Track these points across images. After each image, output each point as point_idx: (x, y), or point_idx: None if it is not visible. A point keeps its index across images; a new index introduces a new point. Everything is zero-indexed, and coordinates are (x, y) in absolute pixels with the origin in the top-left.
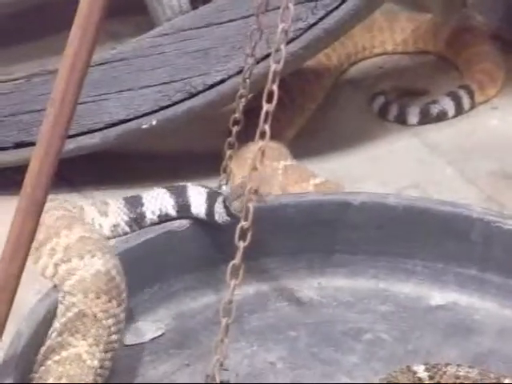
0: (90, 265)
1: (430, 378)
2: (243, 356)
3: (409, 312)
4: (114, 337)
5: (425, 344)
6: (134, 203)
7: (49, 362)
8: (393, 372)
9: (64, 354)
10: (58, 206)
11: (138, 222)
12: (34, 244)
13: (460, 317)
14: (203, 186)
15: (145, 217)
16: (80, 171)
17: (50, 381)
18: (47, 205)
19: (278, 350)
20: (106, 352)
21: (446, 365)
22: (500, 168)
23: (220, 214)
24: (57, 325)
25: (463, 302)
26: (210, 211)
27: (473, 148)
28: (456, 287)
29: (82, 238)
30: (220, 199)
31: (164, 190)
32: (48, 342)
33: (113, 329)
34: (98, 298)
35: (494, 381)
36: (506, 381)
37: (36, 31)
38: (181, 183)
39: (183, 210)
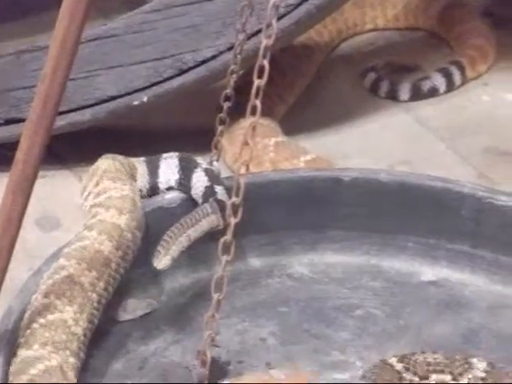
0: None
1: (406, 369)
2: (234, 332)
3: (400, 288)
4: None
5: (416, 320)
6: (153, 172)
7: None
8: (371, 369)
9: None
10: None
11: (153, 190)
12: None
13: (451, 292)
14: (211, 172)
15: (158, 188)
16: (71, 148)
17: (35, 346)
18: None
19: (270, 326)
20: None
21: (413, 354)
22: (492, 144)
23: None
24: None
25: (454, 278)
26: (204, 200)
27: (464, 124)
28: (447, 263)
29: None
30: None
31: (176, 163)
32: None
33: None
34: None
35: (461, 362)
36: (474, 360)
37: (26, 8)
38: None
39: (182, 187)
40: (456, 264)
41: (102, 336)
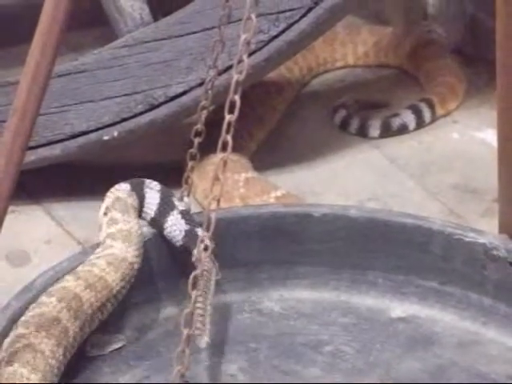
0: None
1: None
2: (204, 368)
3: (370, 324)
4: None
5: (386, 356)
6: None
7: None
8: None
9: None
10: None
11: None
12: None
13: (421, 329)
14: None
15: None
16: (42, 183)
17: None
18: None
19: (239, 362)
20: None
21: None
22: (461, 181)
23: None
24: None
25: (424, 314)
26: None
27: (434, 161)
28: (417, 299)
29: None
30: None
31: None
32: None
33: None
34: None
35: None
36: None
37: None
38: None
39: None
40: (425, 300)
41: (71, 371)
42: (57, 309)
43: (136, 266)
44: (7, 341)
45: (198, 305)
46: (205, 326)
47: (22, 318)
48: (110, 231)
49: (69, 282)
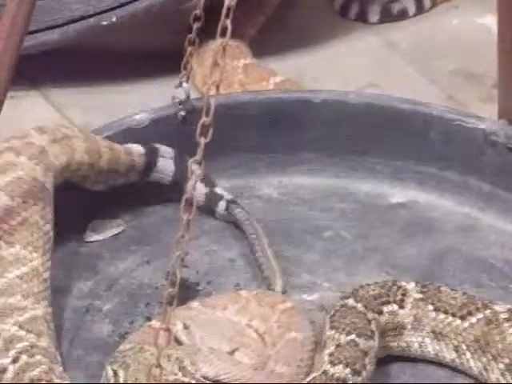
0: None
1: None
2: (203, 253)
3: (369, 210)
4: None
5: (384, 241)
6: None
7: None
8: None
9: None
10: None
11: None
12: None
13: (419, 215)
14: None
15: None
16: (40, 69)
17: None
18: None
19: (238, 248)
20: None
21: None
22: (460, 67)
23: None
24: None
25: (423, 200)
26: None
27: (433, 47)
28: (415, 185)
29: None
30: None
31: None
32: None
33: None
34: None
35: (479, 306)
36: (497, 308)
37: None
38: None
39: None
40: (424, 186)
41: (70, 257)
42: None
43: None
44: None
45: (259, 254)
46: (275, 272)
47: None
48: None
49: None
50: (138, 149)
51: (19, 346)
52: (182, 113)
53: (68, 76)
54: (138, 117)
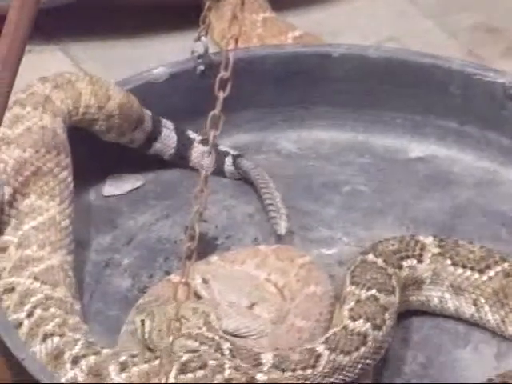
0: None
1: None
2: (222, 208)
3: (388, 164)
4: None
5: (403, 196)
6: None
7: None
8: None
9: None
10: None
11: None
12: None
13: (439, 169)
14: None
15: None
16: (58, 23)
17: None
18: None
19: (257, 202)
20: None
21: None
22: (481, 21)
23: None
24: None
25: (442, 155)
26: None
27: (454, 1)
28: (435, 139)
29: None
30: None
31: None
32: None
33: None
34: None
35: (497, 259)
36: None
37: None
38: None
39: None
40: (444, 140)
41: (89, 211)
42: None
43: None
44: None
45: (267, 196)
46: (281, 213)
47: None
48: None
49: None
50: (146, 110)
51: (33, 299)
52: (201, 67)
53: (86, 30)
54: (156, 71)
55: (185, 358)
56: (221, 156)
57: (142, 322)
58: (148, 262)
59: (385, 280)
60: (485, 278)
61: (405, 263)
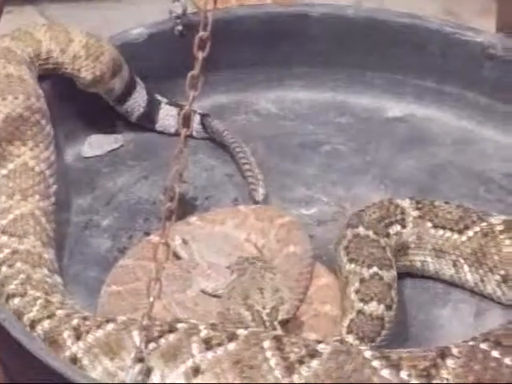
0: None
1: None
2: (201, 168)
3: (366, 124)
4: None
5: (382, 155)
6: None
7: None
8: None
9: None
10: None
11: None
12: None
13: (417, 128)
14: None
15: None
16: None
17: (3, 198)
18: None
19: (236, 163)
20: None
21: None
22: None
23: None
24: None
25: (420, 114)
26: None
27: None
28: (413, 99)
29: None
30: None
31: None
32: None
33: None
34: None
35: (475, 219)
36: (492, 220)
37: None
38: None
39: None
40: (422, 100)
41: (68, 172)
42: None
43: None
44: None
45: (245, 164)
46: (257, 179)
47: None
48: None
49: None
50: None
51: (0, 256)
52: (179, 27)
53: None
54: (135, 31)
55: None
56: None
57: (231, 273)
58: (127, 222)
59: (382, 254)
60: (464, 238)
61: (391, 230)
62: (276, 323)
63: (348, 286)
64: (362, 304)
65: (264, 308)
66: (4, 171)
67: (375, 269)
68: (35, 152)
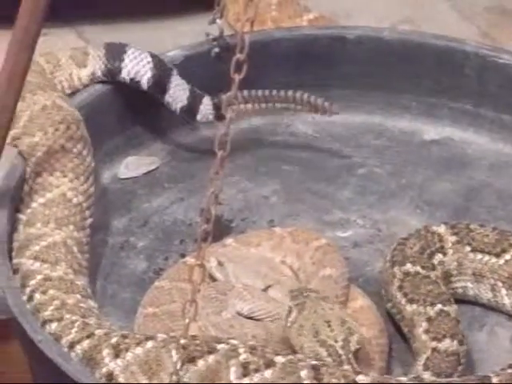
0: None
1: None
2: (237, 190)
3: (403, 146)
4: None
5: (418, 178)
6: (116, 55)
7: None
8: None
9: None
10: None
11: (112, 74)
12: None
13: (454, 151)
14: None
15: (119, 73)
16: (74, 6)
17: (38, 225)
18: None
19: (272, 185)
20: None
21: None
22: (495, 3)
23: (205, 115)
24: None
25: (457, 137)
26: (190, 108)
27: None
28: (450, 122)
29: None
30: (207, 100)
31: (149, 59)
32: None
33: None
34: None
35: None
36: None
37: None
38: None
39: (157, 88)
40: (459, 123)
41: (104, 194)
42: None
43: None
44: None
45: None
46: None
47: None
48: None
49: None
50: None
51: (33, 282)
52: (216, 49)
53: (101, 13)
54: (171, 54)
55: (313, 362)
56: (197, 96)
57: (290, 309)
58: (163, 244)
59: (438, 289)
60: (501, 261)
61: (434, 261)
62: (351, 356)
63: (415, 327)
64: (435, 342)
65: (336, 341)
66: (42, 200)
67: (439, 306)
68: (74, 184)
